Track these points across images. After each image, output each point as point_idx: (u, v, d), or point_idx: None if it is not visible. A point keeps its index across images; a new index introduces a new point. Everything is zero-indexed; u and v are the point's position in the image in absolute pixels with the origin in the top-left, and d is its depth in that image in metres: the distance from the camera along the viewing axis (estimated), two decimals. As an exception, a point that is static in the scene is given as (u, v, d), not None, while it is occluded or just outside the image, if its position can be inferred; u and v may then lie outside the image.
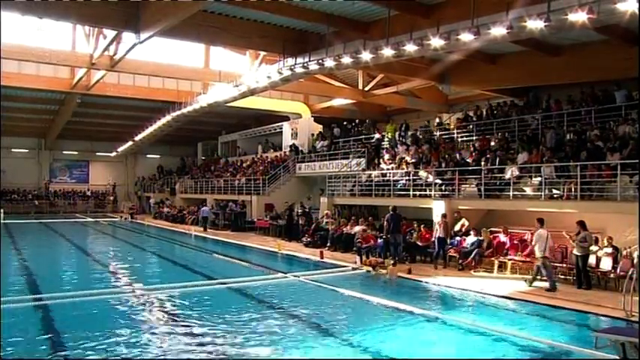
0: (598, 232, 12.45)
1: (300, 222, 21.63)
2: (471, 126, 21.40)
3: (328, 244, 18.37)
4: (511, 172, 15.34)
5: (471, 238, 14.51)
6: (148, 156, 45.53)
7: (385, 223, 15.60)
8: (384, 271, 13.63)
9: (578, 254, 11.81)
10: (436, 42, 12.52)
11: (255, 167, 31.75)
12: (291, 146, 30.46)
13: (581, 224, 11.93)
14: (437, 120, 24.47)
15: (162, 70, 24.92)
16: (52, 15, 15.25)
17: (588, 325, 8.77)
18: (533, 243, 12.30)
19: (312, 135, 29.99)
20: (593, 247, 12.06)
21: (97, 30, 20.19)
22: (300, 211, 22.62)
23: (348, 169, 23.37)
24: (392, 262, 13.94)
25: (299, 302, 10.56)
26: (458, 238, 15.17)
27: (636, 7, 9.25)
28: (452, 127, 22.83)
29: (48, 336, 7.97)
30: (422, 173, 18.61)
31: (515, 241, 13.97)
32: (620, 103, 16.32)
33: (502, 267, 13.65)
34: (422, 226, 16.26)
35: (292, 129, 31.69)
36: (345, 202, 21.61)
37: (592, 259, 12.00)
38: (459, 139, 21.38)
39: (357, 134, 27.24)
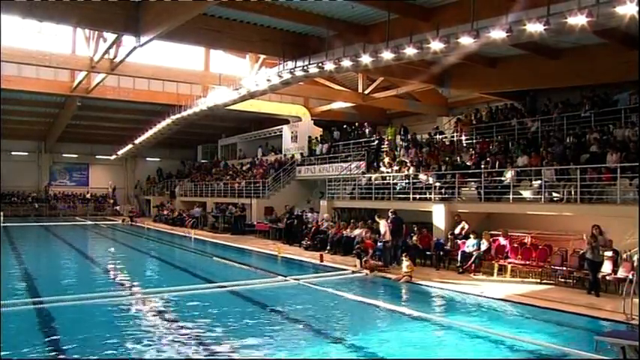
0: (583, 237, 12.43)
1: (295, 223, 21.60)
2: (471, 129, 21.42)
3: (328, 248, 18.34)
4: (510, 174, 15.36)
5: (470, 241, 14.51)
6: (148, 159, 45.53)
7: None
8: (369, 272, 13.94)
9: (595, 260, 11.35)
10: (436, 45, 12.54)
11: (255, 170, 31.75)
12: (282, 160, 30.42)
13: (598, 229, 11.50)
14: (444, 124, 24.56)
15: (162, 73, 25.00)
16: (52, 18, 15.28)
17: (588, 329, 8.74)
18: (383, 230, 15.18)
19: (315, 138, 29.84)
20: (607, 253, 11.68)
21: (97, 33, 20.24)
22: (297, 213, 22.61)
23: (348, 172, 23.37)
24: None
25: (299, 305, 10.53)
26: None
27: (635, 10, 9.27)
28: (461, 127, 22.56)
29: (47, 338, 7.95)
30: (422, 176, 18.61)
31: (515, 245, 13.96)
32: (623, 106, 16.32)
33: (502, 270, 13.64)
34: (422, 229, 16.26)
35: (292, 132, 31.70)
36: (344, 205, 21.59)
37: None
38: (460, 141, 21.40)
39: (357, 137, 27.25)
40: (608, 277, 11.52)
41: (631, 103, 16.25)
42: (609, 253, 11.84)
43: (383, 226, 15.40)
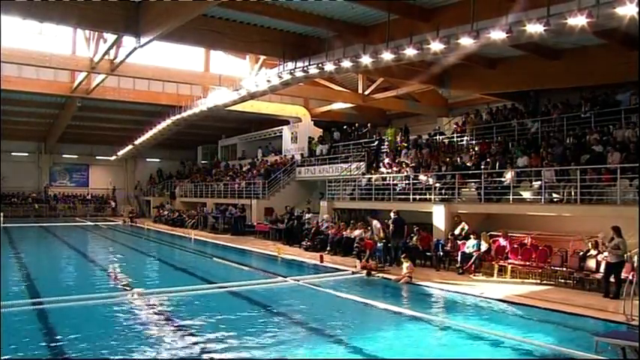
0: (598, 236, 12.39)
1: (295, 224, 21.59)
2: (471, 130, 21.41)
3: (328, 248, 18.34)
4: (510, 175, 15.36)
5: (470, 242, 14.50)
6: (148, 160, 45.51)
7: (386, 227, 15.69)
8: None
9: (612, 261, 11.11)
10: (436, 46, 12.55)
11: (255, 171, 31.74)
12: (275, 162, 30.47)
13: (616, 230, 11.17)
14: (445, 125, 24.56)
15: (163, 74, 25.02)
16: (52, 18, 15.30)
17: (588, 329, 8.73)
18: (376, 230, 15.88)
19: (313, 139, 29.85)
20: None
21: (98, 34, 20.25)
22: (296, 214, 22.59)
23: (348, 173, 23.35)
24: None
25: (299, 306, 10.54)
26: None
27: (635, 11, 9.28)
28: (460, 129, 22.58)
29: (47, 339, 7.95)
30: (422, 177, 18.61)
31: (515, 245, 13.95)
32: (624, 106, 16.31)
33: (502, 271, 13.63)
34: (421, 230, 16.25)
35: (292, 133, 31.71)
36: (344, 206, 21.58)
37: (592, 263, 11.95)
38: (460, 142, 21.40)
39: (357, 138, 27.24)
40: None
41: (631, 104, 16.26)
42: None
43: (377, 224, 15.85)
